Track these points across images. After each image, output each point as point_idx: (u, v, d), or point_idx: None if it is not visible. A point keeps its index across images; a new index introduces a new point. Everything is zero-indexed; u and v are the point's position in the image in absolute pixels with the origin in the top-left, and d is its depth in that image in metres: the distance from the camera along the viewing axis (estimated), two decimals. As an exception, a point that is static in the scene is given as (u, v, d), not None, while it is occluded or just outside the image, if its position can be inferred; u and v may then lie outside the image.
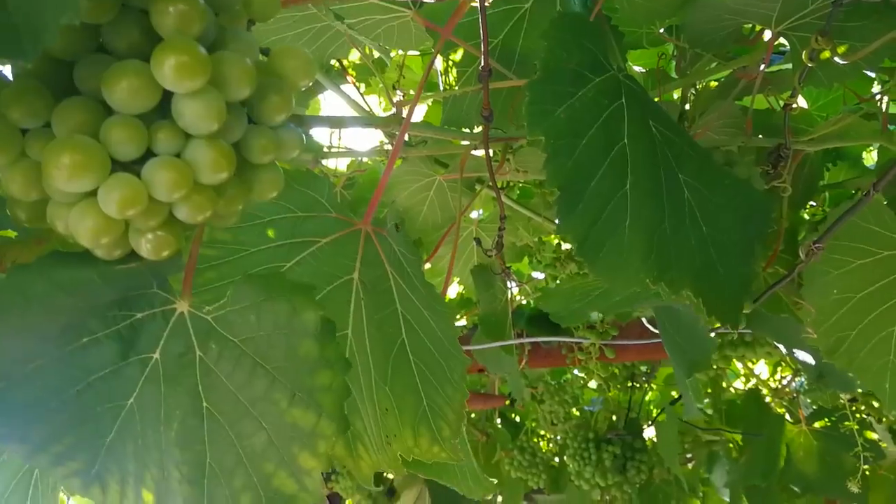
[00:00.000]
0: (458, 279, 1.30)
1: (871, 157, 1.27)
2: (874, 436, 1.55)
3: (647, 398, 1.93)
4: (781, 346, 0.92)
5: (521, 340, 1.12)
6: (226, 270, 0.39)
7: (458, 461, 0.47)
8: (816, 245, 0.59)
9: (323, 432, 0.31)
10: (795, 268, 0.61)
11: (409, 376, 0.46)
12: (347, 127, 0.56)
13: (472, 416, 1.94)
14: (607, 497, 1.84)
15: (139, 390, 0.35)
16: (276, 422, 0.32)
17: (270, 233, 0.43)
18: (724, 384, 1.82)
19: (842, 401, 1.56)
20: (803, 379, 1.73)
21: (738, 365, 1.99)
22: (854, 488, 1.27)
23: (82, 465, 0.37)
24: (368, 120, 0.55)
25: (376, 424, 0.43)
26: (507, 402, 1.59)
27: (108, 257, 0.30)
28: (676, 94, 1.01)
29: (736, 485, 1.43)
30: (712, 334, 1.13)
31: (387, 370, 0.44)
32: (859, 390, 1.53)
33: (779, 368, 1.91)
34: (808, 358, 0.83)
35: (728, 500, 1.62)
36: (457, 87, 0.76)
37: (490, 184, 0.81)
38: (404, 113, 0.59)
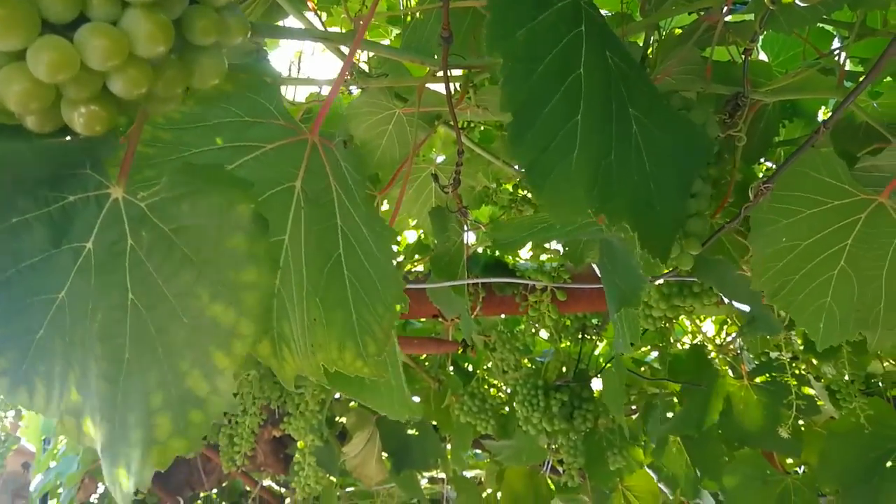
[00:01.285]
0: (415, 222, 1.29)
1: (826, 116, 1.29)
2: (811, 391, 1.61)
3: (597, 352, 1.97)
4: (723, 295, 0.94)
5: (474, 280, 1.13)
6: (166, 169, 0.37)
7: (381, 377, 0.47)
8: (766, 185, 0.60)
9: (241, 332, 0.31)
10: (744, 209, 0.62)
11: (342, 291, 0.45)
12: (302, 39, 0.54)
13: (426, 362, 1.96)
14: (553, 446, 1.89)
15: (70, 282, 0.34)
16: (197, 317, 0.31)
17: (217, 139, 0.42)
18: (672, 339, 1.87)
19: (783, 358, 1.61)
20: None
21: (687, 323, 2.04)
22: (784, 433, 1.32)
23: (10, 364, 0.36)
24: (323, 35, 0.54)
25: (303, 333, 0.43)
26: (461, 350, 1.61)
27: (40, 130, 0.29)
28: (641, 42, 1.00)
29: (666, 433, 1.47)
30: (661, 280, 1.15)
31: (320, 282, 0.44)
32: (800, 348, 1.59)
33: (724, 327, 1.96)
34: (743, 306, 0.86)
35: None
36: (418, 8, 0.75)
37: (449, 119, 0.80)
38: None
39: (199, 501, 2.65)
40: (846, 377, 1.50)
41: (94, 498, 2.41)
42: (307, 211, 0.43)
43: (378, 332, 0.47)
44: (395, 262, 0.50)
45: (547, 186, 0.49)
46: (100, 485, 2.38)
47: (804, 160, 0.62)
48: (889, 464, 1.42)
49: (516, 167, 1.13)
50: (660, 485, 1.84)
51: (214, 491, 2.76)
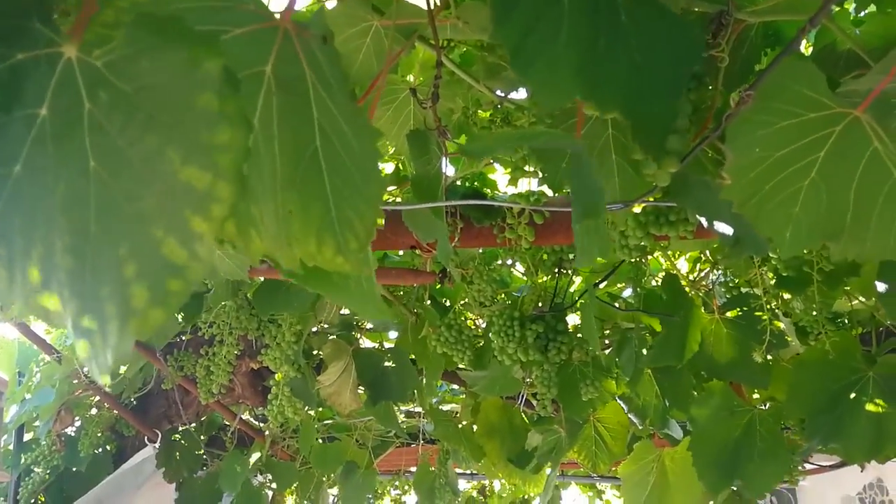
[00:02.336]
0: (394, 148, 1.28)
1: (808, 51, 1.28)
2: (781, 325, 1.65)
3: (573, 288, 1.99)
4: (703, 219, 0.94)
5: (453, 203, 1.12)
6: (123, 23, 0.35)
7: (362, 273, 0.47)
8: (748, 93, 0.59)
9: (218, 195, 0.30)
10: (725, 118, 0.61)
11: (319, 185, 0.44)
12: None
13: (402, 295, 1.96)
14: (528, 380, 1.92)
15: (26, 154, 0.32)
16: (169, 182, 0.30)
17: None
18: (648, 276, 1.89)
19: (754, 293, 1.64)
20: (720, 272, 1.81)
21: (662, 261, 2.06)
22: (758, 357, 1.35)
23: (-34, 246, 0.35)
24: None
25: (277, 223, 0.42)
26: (438, 281, 1.61)
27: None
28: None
29: (646, 365, 1.50)
30: (637, 208, 1.16)
31: (295, 174, 0.43)
32: (771, 283, 1.62)
33: (698, 264, 1.99)
34: (726, 228, 0.86)
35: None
36: None
37: (428, 35, 0.78)
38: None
39: (178, 435, 2.68)
40: (814, 312, 1.53)
41: (71, 430, 2.42)
42: (279, 99, 0.41)
43: (359, 228, 0.46)
44: (377, 161, 0.49)
45: (533, 72, 0.48)
46: (77, 418, 2.39)
47: (785, 70, 0.61)
48: (853, 395, 1.46)
49: (498, 91, 1.11)
50: (630, 415, 1.89)
51: (193, 425, 2.79)
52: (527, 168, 0.93)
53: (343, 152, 0.46)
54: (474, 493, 5.10)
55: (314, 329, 2.04)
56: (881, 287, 1.12)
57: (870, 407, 1.44)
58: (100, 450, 2.34)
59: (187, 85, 0.29)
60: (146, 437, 2.39)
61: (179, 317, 1.91)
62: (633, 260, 1.66)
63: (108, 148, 0.30)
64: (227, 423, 2.74)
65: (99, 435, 2.29)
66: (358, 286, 0.52)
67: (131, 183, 0.30)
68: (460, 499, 5.04)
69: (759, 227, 0.60)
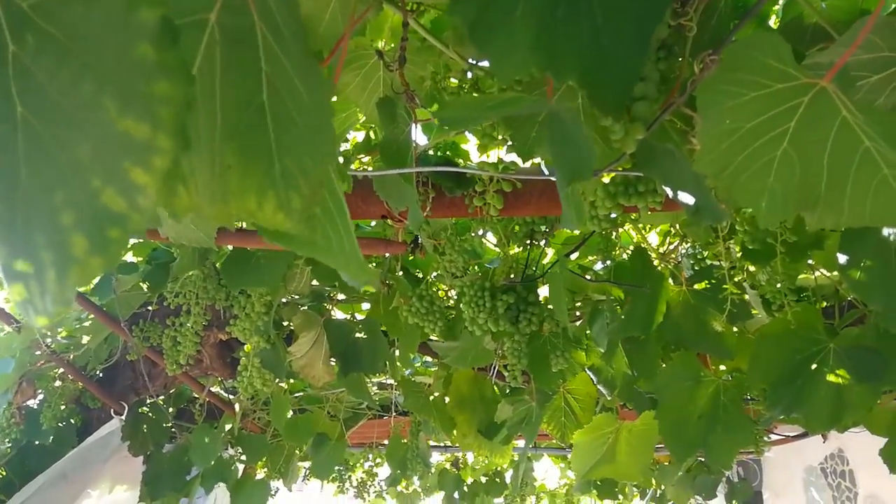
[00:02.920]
0: (364, 116, 1.26)
1: (776, 25, 1.28)
2: (746, 297, 1.67)
3: (545, 260, 1.99)
4: (668, 189, 0.94)
5: (424, 169, 1.11)
6: None
7: (304, 233, 0.45)
8: (712, 58, 0.59)
9: (159, 146, 0.28)
10: (690, 84, 0.61)
11: (264, 141, 0.43)
12: None
13: (374, 265, 1.95)
14: (500, 351, 1.93)
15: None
16: (105, 131, 0.28)
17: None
18: (618, 249, 1.90)
19: (722, 265, 1.66)
20: (689, 245, 1.83)
21: (633, 234, 2.07)
22: (718, 326, 1.36)
23: None
24: None
25: (214, 179, 0.41)
26: (409, 251, 1.60)
27: None
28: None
29: (613, 335, 1.51)
30: (606, 177, 1.15)
31: (237, 128, 0.41)
32: (738, 255, 1.63)
33: (668, 238, 2.00)
34: (689, 198, 0.86)
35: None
36: None
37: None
38: None
39: (145, 408, 2.65)
40: (778, 285, 1.56)
41: (34, 403, 2.39)
42: (223, 50, 0.40)
43: (304, 186, 0.45)
44: (330, 118, 0.48)
45: (490, 45, 0.47)
46: (39, 390, 2.35)
47: (752, 42, 0.61)
48: (814, 366, 1.48)
49: (470, 59, 1.09)
50: (599, 386, 1.91)
51: (161, 397, 2.77)
52: (495, 135, 0.92)
53: (292, 107, 0.45)
54: (447, 466, 5.16)
55: (284, 300, 2.03)
56: (842, 259, 1.14)
57: (830, 378, 1.47)
58: (64, 423, 2.30)
59: (122, 33, 0.28)
60: (112, 410, 2.36)
61: (145, 286, 1.89)
62: (603, 232, 1.67)
63: (37, 94, 0.29)
64: (196, 395, 2.72)
65: (63, 408, 2.26)
66: (340, 246, 0.51)
67: (64, 131, 0.29)
68: (433, 470, 5.10)
69: (734, 198, 0.61)
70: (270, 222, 0.45)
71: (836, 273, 1.76)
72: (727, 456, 1.60)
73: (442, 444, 4.75)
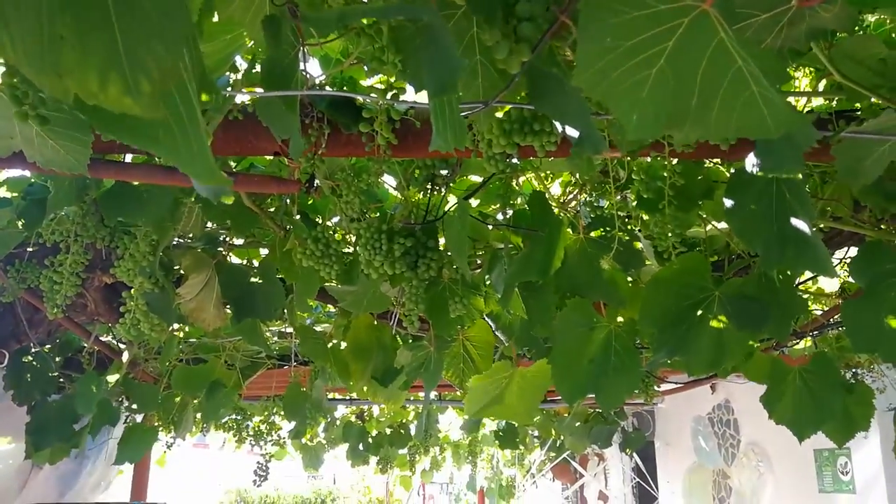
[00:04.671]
0: (252, 41, 1.18)
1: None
2: (639, 246, 1.71)
3: (448, 208, 1.97)
4: (558, 124, 0.94)
5: (309, 93, 1.06)
6: None
7: (154, 116, 0.41)
8: (593, -30, 0.57)
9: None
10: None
11: (103, 16, 0.38)
12: None
13: (271, 209, 1.88)
14: (401, 300, 1.91)
15: None
16: None
17: None
18: (520, 197, 1.90)
19: (619, 215, 1.69)
20: (588, 195, 1.85)
21: (535, 184, 2.08)
22: (605, 265, 1.39)
23: None
24: None
25: (42, 46, 0.36)
26: (304, 191, 1.54)
27: None
28: None
29: (510, 280, 1.51)
30: (500, 112, 1.13)
31: None
32: (633, 204, 1.66)
33: (568, 188, 2.02)
34: (575, 132, 0.85)
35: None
36: None
37: None
38: None
39: (29, 356, 2.50)
40: (669, 234, 1.60)
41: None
42: None
43: (154, 71, 0.41)
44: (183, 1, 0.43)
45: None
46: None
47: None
48: (699, 313, 1.53)
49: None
50: (497, 333, 1.93)
51: (48, 346, 2.62)
52: (385, 59, 0.88)
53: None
54: (353, 418, 5.17)
55: (175, 242, 1.93)
56: (728, 203, 1.17)
57: (713, 324, 1.53)
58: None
59: None
60: (-10, 357, 2.21)
61: (20, 224, 1.75)
62: (502, 176, 1.66)
63: None
64: (85, 344, 2.59)
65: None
66: (186, 144, 0.47)
67: None
68: (339, 423, 5.10)
69: (609, 107, 0.60)
70: (116, 105, 0.40)
71: (725, 225, 1.83)
72: (617, 398, 1.64)
73: (347, 397, 4.75)
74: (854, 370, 3.02)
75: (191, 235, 1.91)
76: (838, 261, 2.12)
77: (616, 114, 0.58)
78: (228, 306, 1.88)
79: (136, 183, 1.59)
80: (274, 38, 0.96)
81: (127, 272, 1.70)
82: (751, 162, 1.01)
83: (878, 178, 1.56)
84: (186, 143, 0.48)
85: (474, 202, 1.95)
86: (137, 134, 0.47)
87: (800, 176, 1.00)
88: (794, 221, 1.06)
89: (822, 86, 1.51)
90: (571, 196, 1.90)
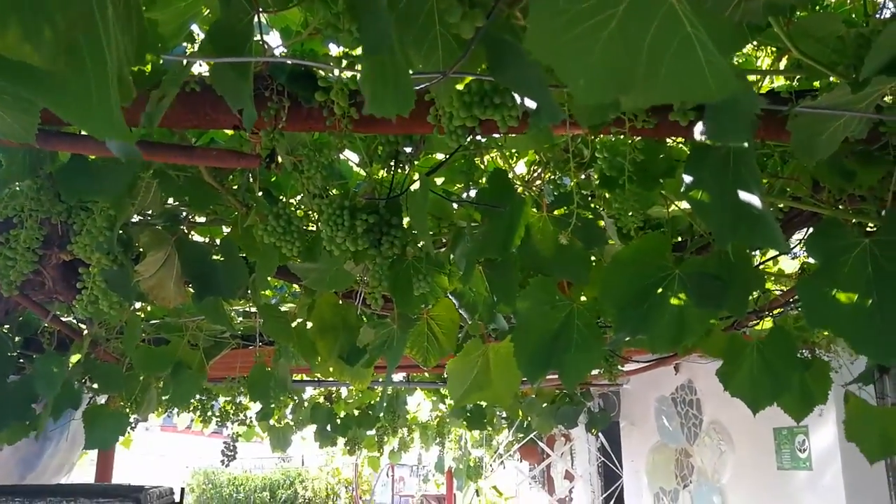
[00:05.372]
0: (207, 10, 1.16)
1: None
2: (601, 223, 1.72)
3: (413, 187, 1.96)
4: (517, 96, 0.93)
5: (261, 59, 1.04)
6: None
7: (55, 69, 0.40)
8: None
9: None
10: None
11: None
12: None
13: (234, 187, 1.85)
14: (366, 279, 1.90)
15: None
16: None
17: None
18: (484, 173, 1.90)
19: (582, 193, 1.69)
20: (552, 174, 1.85)
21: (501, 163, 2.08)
22: (563, 240, 1.39)
23: None
24: None
25: None
26: (264, 166, 1.52)
27: None
28: None
29: (470, 255, 1.51)
30: (460, 85, 1.13)
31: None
32: (596, 183, 1.67)
33: (533, 166, 2.02)
34: (533, 104, 0.85)
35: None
36: None
37: None
38: None
39: (-14, 336, 2.45)
40: (630, 213, 1.61)
41: None
42: None
43: (59, 18, 0.39)
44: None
45: None
46: None
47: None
48: (660, 291, 1.55)
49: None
50: (461, 311, 1.93)
51: (6, 326, 2.56)
52: (340, 26, 0.86)
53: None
54: (321, 399, 5.16)
55: (135, 218, 1.89)
56: (687, 179, 1.18)
57: (674, 302, 1.55)
58: None
59: None
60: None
61: (-30, 198, 1.70)
62: (465, 152, 1.66)
63: None
64: (45, 324, 2.53)
65: None
66: (85, 90, 0.45)
67: None
68: (307, 404, 5.09)
69: (556, 71, 0.59)
70: (14, 52, 0.39)
71: (688, 206, 1.85)
72: (579, 375, 1.65)
73: (315, 379, 4.73)
74: (812, 350, 3.09)
75: (150, 212, 1.87)
76: (798, 241, 2.15)
77: (564, 78, 0.58)
78: (190, 285, 1.85)
79: (92, 157, 1.56)
80: (225, 1, 0.94)
81: (84, 248, 1.66)
82: (699, 130, 1.02)
83: (835, 158, 1.59)
84: (86, 93, 0.46)
85: (439, 180, 1.94)
86: (30, 80, 0.45)
87: (746, 145, 1.01)
88: (749, 197, 1.07)
89: (783, 65, 1.53)
90: (536, 175, 1.90)
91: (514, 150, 1.87)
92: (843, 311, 1.24)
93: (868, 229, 1.55)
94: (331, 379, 4.66)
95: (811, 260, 2.23)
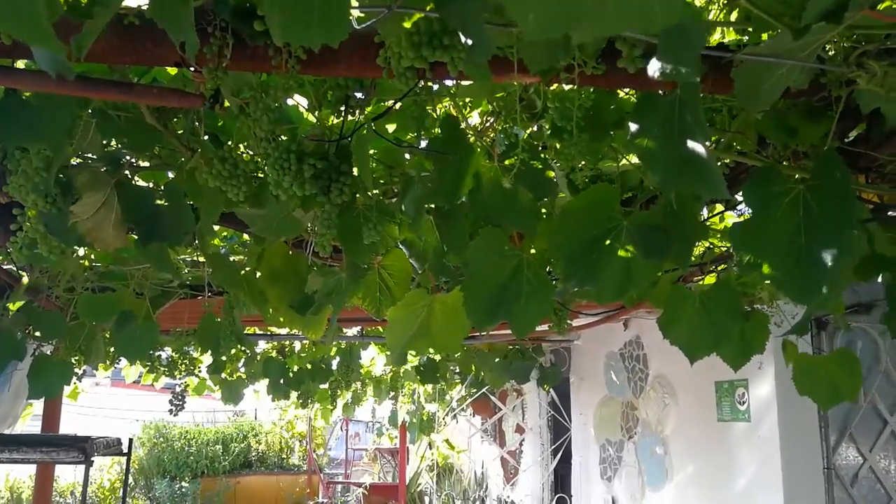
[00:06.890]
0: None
1: None
2: (552, 175, 1.72)
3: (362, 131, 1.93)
4: (462, 36, 0.92)
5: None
6: None
7: None
8: None
9: None
10: None
11: None
12: None
13: (178, 131, 1.80)
14: (315, 227, 1.88)
15: None
16: None
17: None
18: (436, 122, 1.88)
19: (532, 143, 1.69)
20: (504, 123, 1.84)
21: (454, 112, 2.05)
22: (506, 183, 1.39)
23: None
24: None
25: None
26: (209, 108, 1.47)
27: None
28: None
29: (418, 202, 1.50)
30: (407, 24, 1.10)
31: None
32: (547, 133, 1.67)
33: (486, 117, 2.01)
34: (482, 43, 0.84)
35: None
36: None
37: None
38: None
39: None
40: (581, 164, 1.61)
41: None
42: None
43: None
44: None
45: None
46: None
47: None
48: (608, 242, 1.57)
49: None
50: (411, 261, 1.93)
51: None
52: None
53: None
54: (274, 353, 5.14)
55: (74, 160, 1.83)
56: (633, 127, 1.18)
57: (621, 253, 1.57)
58: None
59: None
60: None
61: None
62: (416, 97, 1.63)
63: None
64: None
65: None
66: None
67: None
68: (259, 358, 5.06)
69: (505, 11, 0.58)
70: None
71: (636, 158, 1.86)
72: (529, 324, 1.67)
73: (267, 332, 4.70)
74: (754, 306, 3.18)
75: (90, 155, 1.80)
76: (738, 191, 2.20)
77: (514, 14, 0.56)
78: (133, 231, 1.80)
79: (27, 94, 1.49)
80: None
81: (19, 189, 1.60)
82: (651, 67, 1.02)
83: (781, 113, 1.62)
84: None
85: (391, 128, 1.91)
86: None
87: (692, 91, 1.01)
88: (693, 145, 1.08)
89: (733, 18, 1.53)
90: (489, 125, 1.89)
91: (467, 100, 1.85)
92: (772, 251, 1.26)
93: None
94: (284, 332, 4.64)
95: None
